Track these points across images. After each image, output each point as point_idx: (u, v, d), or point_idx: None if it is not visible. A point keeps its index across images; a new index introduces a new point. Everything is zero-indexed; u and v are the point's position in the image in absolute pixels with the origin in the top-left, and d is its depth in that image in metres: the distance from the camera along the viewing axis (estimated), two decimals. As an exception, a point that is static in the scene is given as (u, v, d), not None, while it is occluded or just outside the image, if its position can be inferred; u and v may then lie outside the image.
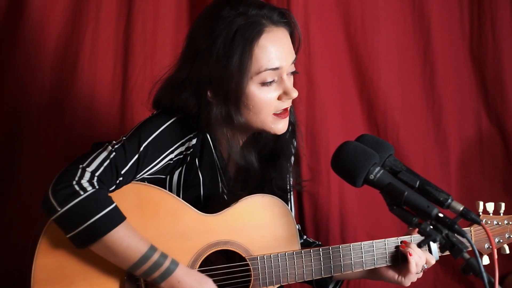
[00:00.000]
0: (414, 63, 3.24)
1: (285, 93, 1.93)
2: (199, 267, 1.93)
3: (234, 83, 1.87)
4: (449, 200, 1.60)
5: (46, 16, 2.69)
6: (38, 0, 2.66)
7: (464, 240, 1.55)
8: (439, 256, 2.12)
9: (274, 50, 1.90)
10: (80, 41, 2.72)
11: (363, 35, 3.14)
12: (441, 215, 1.58)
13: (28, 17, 2.66)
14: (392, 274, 2.09)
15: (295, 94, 1.93)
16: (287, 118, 1.98)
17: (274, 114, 1.94)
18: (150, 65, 2.81)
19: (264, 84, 1.90)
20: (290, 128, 2.12)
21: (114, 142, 1.87)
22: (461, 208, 1.58)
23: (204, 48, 1.90)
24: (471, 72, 3.33)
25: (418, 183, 1.64)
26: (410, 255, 2.02)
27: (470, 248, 1.55)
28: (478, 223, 1.58)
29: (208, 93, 1.92)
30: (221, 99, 1.91)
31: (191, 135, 1.95)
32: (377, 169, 1.66)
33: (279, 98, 1.93)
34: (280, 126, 1.97)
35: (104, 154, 1.83)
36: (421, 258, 2.04)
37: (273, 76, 1.91)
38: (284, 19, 1.96)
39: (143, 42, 2.82)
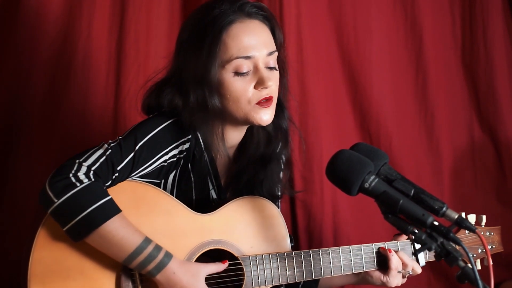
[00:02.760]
0: (407, 73, 3.26)
1: (259, 82, 1.96)
2: None
3: (205, 70, 1.93)
4: (444, 208, 1.60)
5: (39, 25, 2.68)
6: (31, 9, 2.65)
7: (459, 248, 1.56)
8: (431, 263, 2.17)
9: (246, 40, 1.95)
10: (73, 51, 2.72)
11: (356, 45, 3.15)
12: (436, 223, 1.58)
13: (21, 26, 2.65)
14: (378, 275, 2.13)
15: (270, 83, 1.95)
16: (271, 109, 2.00)
17: (256, 103, 1.97)
18: (143, 74, 2.80)
19: (237, 73, 1.95)
20: (282, 134, 2.16)
21: (110, 141, 1.91)
22: (456, 216, 1.59)
23: (184, 42, 2.01)
24: (463, 81, 3.35)
25: (413, 191, 1.64)
26: (390, 252, 2.09)
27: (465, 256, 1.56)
28: (473, 231, 1.59)
29: (187, 84, 1.98)
30: (197, 87, 1.96)
31: (185, 139, 1.98)
32: (372, 177, 1.67)
33: (255, 88, 1.97)
34: (263, 117, 1.98)
35: (100, 151, 1.87)
36: (408, 264, 2.10)
37: (248, 66, 1.95)
38: (261, 12, 2.01)
39: (135, 51, 2.82)
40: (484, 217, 2.23)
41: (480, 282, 1.50)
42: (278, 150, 2.18)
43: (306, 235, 3.04)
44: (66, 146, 2.69)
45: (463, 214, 2.16)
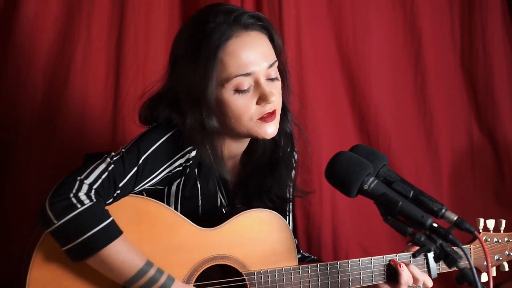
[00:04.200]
0: (406, 74, 3.26)
1: (262, 98, 1.88)
2: (195, 282, 1.92)
3: (202, 90, 1.85)
4: (443, 210, 1.60)
5: (38, 27, 2.68)
6: (29, 11, 2.65)
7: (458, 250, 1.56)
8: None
9: (245, 56, 1.86)
10: (72, 52, 2.71)
11: (355, 46, 3.15)
12: (435, 225, 1.58)
13: (19, 28, 2.65)
14: None
15: (273, 98, 1.88)
16: (275, 122, 1.93)
17: (259, 119, 1.91)
18: (142, 76, 2.80)
19: (238, 91, 1.87)
20: (287, 138, 2.12)
21: (113, 153, 1.85)
22: (455, 218, 1.59)
23: (178, 58, 1.92)
24: (462, 83, 3.36)
25: (412, 193, 1.64)
26: (400, 266, 2.02)
27: (464, 258, 1.55)
28: (472, 232, 1.58)
29: (184, 104, 1.91)
30: (194, 108, 1.89)
31: (191, 147, 1.92)
32: (371, 179, 1.66)
33: (258, 103, 1.89)
34: (268, 131, 1.92)
35: (103, 166, 1.81)
36: (419, 279, 2.03)
37: (249, 82, 1.87)
38: (258, 22, 1.92)
39: (135, 53, 2.81)
40: (503, 221, 2.18)
41: (479, 283, 1.50)
42: (285, 154, 2.13)
43: (304, 236, 3.04)
44: (65, 148, 2.68)
45: (481, 220, 2.15)
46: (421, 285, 2.06)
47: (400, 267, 2.02)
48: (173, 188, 1.99)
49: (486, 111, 3.34)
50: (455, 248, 1.58)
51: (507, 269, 2.20)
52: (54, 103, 2.70)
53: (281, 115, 1.99)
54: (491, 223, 2.17)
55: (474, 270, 1.51)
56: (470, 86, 3.36)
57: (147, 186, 1.91)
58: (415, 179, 3.16)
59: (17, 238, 2.59)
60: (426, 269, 2.10)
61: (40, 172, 2.65)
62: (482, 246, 1.59)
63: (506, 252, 2.21)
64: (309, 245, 3.05)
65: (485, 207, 3.26)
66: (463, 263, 1.55)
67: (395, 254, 2.08)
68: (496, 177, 3.34)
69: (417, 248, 2.04)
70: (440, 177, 3.27)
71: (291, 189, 2.21)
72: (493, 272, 2.20)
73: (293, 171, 2.22)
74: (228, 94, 1.87)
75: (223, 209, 2.07)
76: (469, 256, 1.53)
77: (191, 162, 1.94)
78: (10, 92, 2.67)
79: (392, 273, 2.06)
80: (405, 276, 2.01)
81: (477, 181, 3.33)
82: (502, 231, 2.20)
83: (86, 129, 2.75)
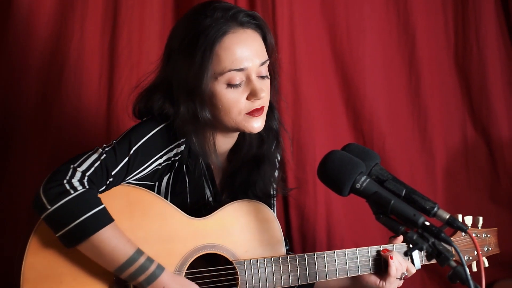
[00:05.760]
0: (400, 73, 3.26)
1: (252, 93, 1.94)
2: (187, 270, 1.95)
3: (197, 82, 1.92)
4: (435, 209, 1.60)
5: (31, 27, 2.67)
6: (23, 11, 2.65)
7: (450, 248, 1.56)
8: (423, 265, 2.15)
9: (239, 51, 1.92)
10: (66, 52, 2.71)
11: (349, 45, 3.15)
12: (427, 223, 1.59)
13: (13, 28, 2.65)
14: (374, 279, 2.11)
15: (262, 94, 1.95)
16: (262, 117, 1.99)
17: (247, 113, 1.97)
18: (135, 76, 2.80)
19: (230, 85, 1.93)
20: (273, 135, 2.16)
21: (104, 145, 1.91)
22: (447, 217, 1.59)
23: (175, 50, 1.98)
24: (456, 81, 3.35)
25: (404, 191, 1.65)
26: (391, 258, 2.07)
27: (456, 257, 1.56)
28: (464, 231, 1.59)
29: (177, 94, 1.97)
30: (187, 98, 1.95)
31: (180, 141, 1.98)
32: (363, 178, 1.67)
33: (248, 99, 1.96)
34: (255, 125, 1.98)
35: (95, 155, 1.86)
36: (402, 265, 2.08)
37: (241, 78, 1.94)
38: (253, 21, 1.99)
39: (128, 53, 2.82)
40: (481, 218, 2.21)
41: (471, 282, 1.50)
42: (270, 151, 2.18)
43: (299, 236, 3.04)
44: (60, 146, 2.69)
45: (460, 216, 2.16)
46: (405, 272, 2.10)
47: (392, 259, 2.06)
48: (163, 183, 2.03)
49: (480, 110, 3.34)
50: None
51: (487, 265, 2.22)
52: (48, 102, 2.71)
53: (268, 112, 2.05)
54: (469, 220, 2.19)
55: (467, 268, 1.52)
56: (464, 85, 3.36)
57: (136, 179, 1.95)
58: (410, 178, 3.16)
59: (11, 238, 2.59)
60: (408, 258, 2.13)
61: (35, 171, 2.65)
62: (474, 243, 1.59)
63: (485, 248, 2.25)
64: (304, 245, 3.05)
65: (479, 205, 3.26)
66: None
67: (379, 246, 2.11)
68: (490, 175, 3.34)
69: (400, 240, 2.11)
70: (434, 175, 3.27)
71: (274, 184, 2.25)
72: (474, 268, 2.23)
73: (276, 169, 2.26)
74: (220, 87, 1.93)
75: (211, 203, 2.10)
76: (461, 254, 1.53)
77: (179, 156, 1.99)
78: (4, 91, 2.67)
79: (378, 264, 2.11)
80: (394, 268, 2.06)
81: (471, 180, 3.33)
82: (479, 228, 2.23)
83: (80, 129, 2.75)
